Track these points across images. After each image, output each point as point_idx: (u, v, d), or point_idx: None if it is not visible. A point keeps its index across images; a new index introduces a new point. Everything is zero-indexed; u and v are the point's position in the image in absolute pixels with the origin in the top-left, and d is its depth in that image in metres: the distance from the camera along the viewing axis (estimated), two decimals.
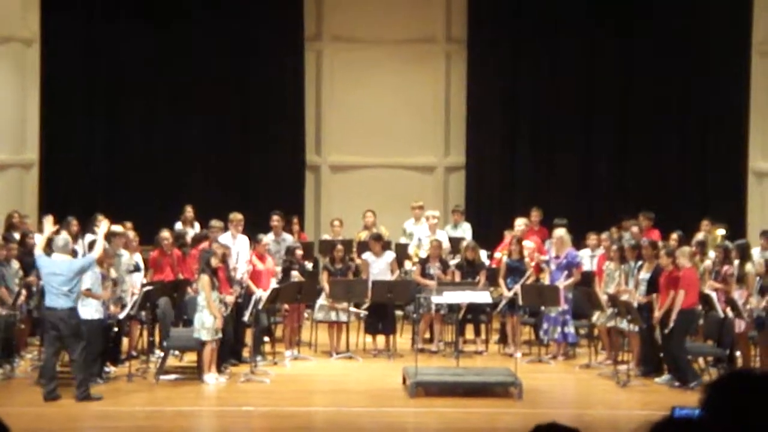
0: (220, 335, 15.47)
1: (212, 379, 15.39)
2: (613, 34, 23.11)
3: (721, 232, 19.50)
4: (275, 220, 19.16)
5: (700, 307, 15.83)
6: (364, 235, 20.60)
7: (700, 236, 18.20)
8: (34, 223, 21.78)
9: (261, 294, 16.33)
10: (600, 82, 23.18)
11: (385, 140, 23.53)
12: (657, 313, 15.49)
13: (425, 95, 23.71)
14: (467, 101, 23.55)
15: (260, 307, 16.18)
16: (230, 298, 16.09)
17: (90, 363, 14.40)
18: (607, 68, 23.13)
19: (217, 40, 22.94)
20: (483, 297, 17.15)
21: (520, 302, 17.40)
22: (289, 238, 19.30)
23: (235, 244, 17.68)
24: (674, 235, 18.58)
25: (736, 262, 16.63)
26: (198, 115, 22.99)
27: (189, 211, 20.53)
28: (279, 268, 17.81)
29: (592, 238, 19.39)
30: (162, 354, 16.11)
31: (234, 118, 23.18)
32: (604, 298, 16.68)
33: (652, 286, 15.96)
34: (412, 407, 14.31)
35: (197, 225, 20.47)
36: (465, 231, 21.11)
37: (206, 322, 15.40)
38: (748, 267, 16.35)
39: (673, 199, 22.79)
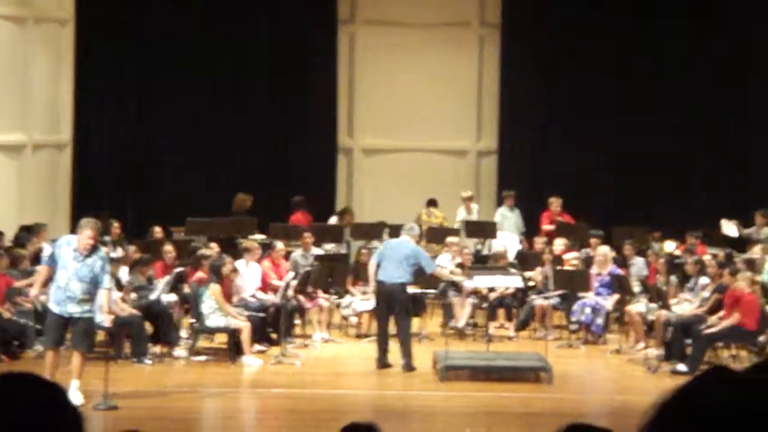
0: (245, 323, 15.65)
1: (254, 361, 15.49)
2: (651, 19, 22.87)
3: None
4: (306, 237, 18.80)
5: (763, 338, 15.71)
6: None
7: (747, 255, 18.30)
8: (66, 208, 21.95)
9: (292, 277, 16.39)
10: (636, 69, 23.01)
11: (418, 124, 23.47)
12: (714, 326, 15.41)
13: (458, 79, 23.63)
14: (500, 86, 23.48)
15: (291, 290, 16.23)
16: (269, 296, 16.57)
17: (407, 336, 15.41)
18: (644, 54, 22.96)
19: (251, 24, 22.94)
20: (514, 281, 17.14)
21: (551, 287, 17.41)
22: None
23: (247, 270, 17.15)
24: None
25: None
26: (231, 98, 23.00)
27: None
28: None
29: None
30: (189, 335, 16.23)
31: (267, 101, 23.18)
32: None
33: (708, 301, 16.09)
34: (442, 391, 14.31)
35: None
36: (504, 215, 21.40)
37: (220, 324, 15.68)
38: None
39: (707, 188, 22.76)
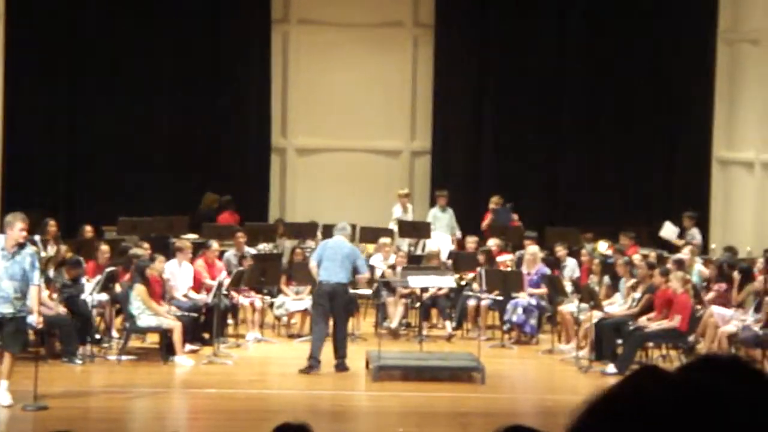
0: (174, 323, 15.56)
1: (186, 361, 15.39)
2: (581, 20, 23.10)
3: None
4: (239, 236, 18.73)
5: (692, 338, 15.90)
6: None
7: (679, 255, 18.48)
8: None
9: (224, 277, 16.33)
10: (568, 69, 23.19)
11: (351, 124, 23.47)
12: (646, 325, 15.58)
13: (392, 79, 23.66)
14: (434, 86, 23.54)
15: (224, 289, 16.18)
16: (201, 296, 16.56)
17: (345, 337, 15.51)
18: (575, 55, 23.14)
19: (184, 21, 22.78)
20: (447, 282, 17.19)
21: (484, 287, 17.48)
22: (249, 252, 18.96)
23: (180, 270, 17.06)
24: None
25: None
26: (163, 96, 22.85)
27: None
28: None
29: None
30: (120, 335, 16.10)
31: (200, 99, 23.03)
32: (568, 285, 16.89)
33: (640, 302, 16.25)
34: (375, 391, 14.31)
35: None
36: (435, 217, 21.39)
37: (151, 323, 15.58)
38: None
39: (639, 190, 22.96)
